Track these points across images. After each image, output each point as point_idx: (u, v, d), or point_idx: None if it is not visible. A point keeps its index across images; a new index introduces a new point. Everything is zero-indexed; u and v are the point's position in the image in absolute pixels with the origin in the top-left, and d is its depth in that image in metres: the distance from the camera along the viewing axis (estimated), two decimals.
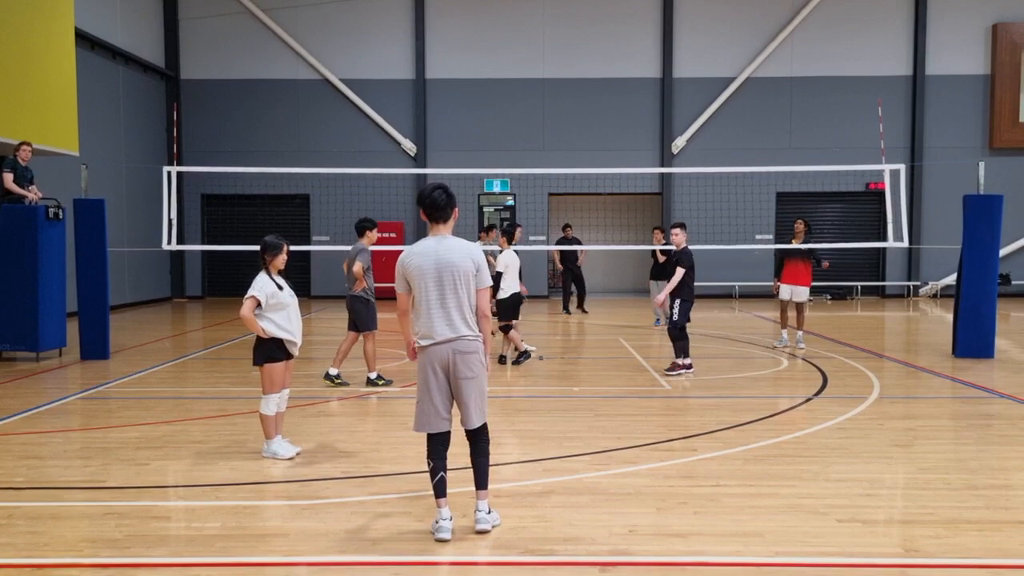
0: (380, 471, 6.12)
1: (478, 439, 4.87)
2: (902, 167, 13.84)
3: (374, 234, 9.61)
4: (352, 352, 10.01)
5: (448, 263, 4.69)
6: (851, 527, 4.93)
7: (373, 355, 9.67)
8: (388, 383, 9.68)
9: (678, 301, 10.23)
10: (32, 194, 11.60)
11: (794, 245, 12.72)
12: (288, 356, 6.48)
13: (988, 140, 22.69)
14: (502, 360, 11.28)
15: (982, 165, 12.20)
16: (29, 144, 11.67)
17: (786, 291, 12.67)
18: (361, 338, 9.74)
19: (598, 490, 5.65)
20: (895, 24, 22.86)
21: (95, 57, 19.14)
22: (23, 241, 11.40)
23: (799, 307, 12.64)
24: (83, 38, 17.75)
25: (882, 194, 14.72)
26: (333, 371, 9.74)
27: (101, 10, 19.56)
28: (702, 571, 4.31)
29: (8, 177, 11.39)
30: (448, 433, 4.81)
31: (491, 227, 13.80)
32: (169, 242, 12.87)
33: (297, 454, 6.52)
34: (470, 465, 4.93)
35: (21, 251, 11.41)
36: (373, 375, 9.69)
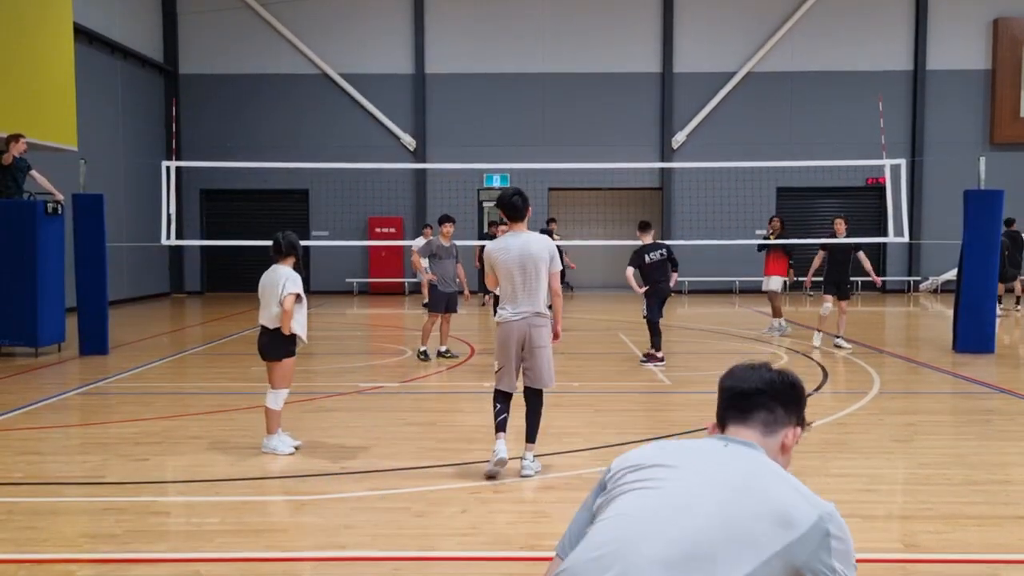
0: (379, 466, 6.12)
1: (535, 399, 5.88)
2: (903, 162, 13.80)
3: (446, 228, 11.09)
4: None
5: (529, 255, 5.73)
6: (851, 522, 4.85)
7: (427, 332, 11.10)
8: (454, 356, 11.30)
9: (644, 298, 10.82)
10: (38, 190, 11.63)
11: (772, 241, 13.95)
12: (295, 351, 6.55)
13: (989, 135, 22.67)
14: None
15: (983, 160, 12.17)
16: (23, 136, 11.66)
17: (764, 282, 13.99)
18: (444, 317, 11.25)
19: None
20: (896, 19, 22.81)
21: (93, 52, 19.09)
22: (22, 236, 11.37)
23: (772, 296, 13.82)
24: (81, 32, 17.69)
25: (882, 189, 14.65)
26: (442, 348, 11.32)
27: (99, 4, 19.50)
28: None
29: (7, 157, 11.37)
30: (513, 392, 5.87)
31: (427, 226, 16.77)
32: (168, 237, 12.84)
33: (296, 449, 6.52)
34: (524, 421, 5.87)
35: (20, 246, 11.38)
36: (443, 348, 11.32)
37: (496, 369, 5.90)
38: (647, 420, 7.78)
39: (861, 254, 12.30)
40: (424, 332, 11.16)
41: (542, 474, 5.85)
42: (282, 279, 6.30)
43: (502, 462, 5.65)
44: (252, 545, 4.59)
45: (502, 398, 5.86)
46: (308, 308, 6.61)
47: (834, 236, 12.44)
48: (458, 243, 11.47)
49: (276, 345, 6.43)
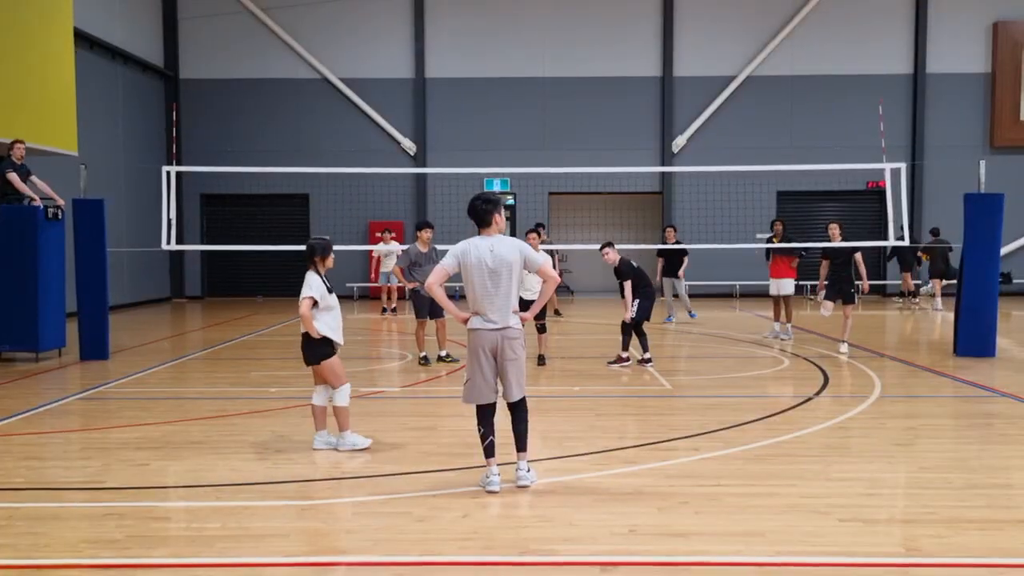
0: (381, 471, 6.11)
1: (518, 409, 5.68)
2: (903, 166, 13.82)
3: (424, 234, 11.11)
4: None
5: (503, 259, 5.51)
6: (852, 526, 4.92)
7: (419, 338, 11.25)
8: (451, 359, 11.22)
9: (637, 301, 10.88)
10: (39, 195, 11.64)
11: (775, 244, 13.89)
12: (335, 352, 6.67)
13: (989, 139, 22.68)
14: (541, 361, 11.11)
15: (983, 164, 12.17)
16: (22, 142, 11.68)
17: (773, 286, 13.77)
18: (435, 323, 11.28)
19: (599, 490, 5.64)
20: (896, 22, 22.83)
21: (94, 56, 19.11)
22: (23, 241, 11.38)
23: (785, 300, 13.63)
24: (82, 37, 17.71)
25: (883, 193, 14.69)
26: (442, 352, 11.26)
27: (100, 9, 19.53)
28: (703, 571, 4.30)
29: (15, 177, 11.38)
30: (495, 404, 5.64)
31: (386, 231, 18.16)
32: (168, 242, 12.85)
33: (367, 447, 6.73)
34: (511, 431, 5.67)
35: (21, 251, 11.39)
36: (443, 352, 11.27)
37: (465, 381, 5.66)
38: (647, 424, 7.78)
39: (858, 256, 12.27)
40: (416, 339, 11.28)
41: (544, 478, 5.84)
42: (304, 284, 6.49)
43: (493, 493, 5.48)
44: (253, 550, 4.59)
45: (483, 417, 5.62)
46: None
47: (831, 242, 12.47)
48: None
49: (309, 350, 6.61)
